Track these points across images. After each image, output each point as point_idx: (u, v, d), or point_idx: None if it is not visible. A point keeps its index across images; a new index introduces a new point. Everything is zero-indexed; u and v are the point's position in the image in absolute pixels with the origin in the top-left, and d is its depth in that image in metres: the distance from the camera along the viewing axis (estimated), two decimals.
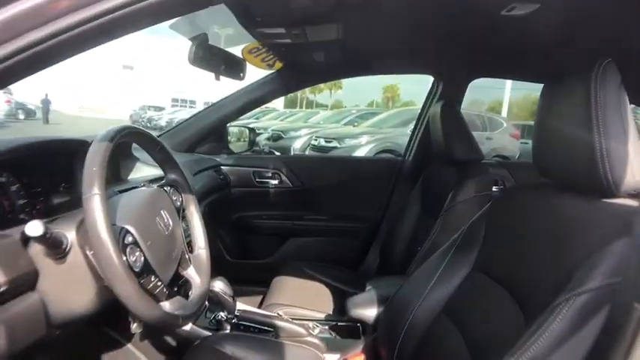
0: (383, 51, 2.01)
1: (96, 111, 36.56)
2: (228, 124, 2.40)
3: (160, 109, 28.84)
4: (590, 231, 0.80)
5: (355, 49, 1.93)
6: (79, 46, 0.63)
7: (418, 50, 2.00)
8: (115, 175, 1.58)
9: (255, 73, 2.23)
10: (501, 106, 23.36)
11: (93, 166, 0.82)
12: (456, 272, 1.16)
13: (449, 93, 2.24)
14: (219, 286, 1.51)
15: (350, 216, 2.49)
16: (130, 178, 1.60)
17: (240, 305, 1.65)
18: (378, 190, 2.48)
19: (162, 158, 1.17)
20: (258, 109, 14.50)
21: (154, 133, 1.87)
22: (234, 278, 2.40)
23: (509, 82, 16.45)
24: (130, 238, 0.89)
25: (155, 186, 1.13)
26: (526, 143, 10.74)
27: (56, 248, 0.85)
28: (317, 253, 2.44)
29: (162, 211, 1.05)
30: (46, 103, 21.90)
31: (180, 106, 36.89)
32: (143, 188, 1.12)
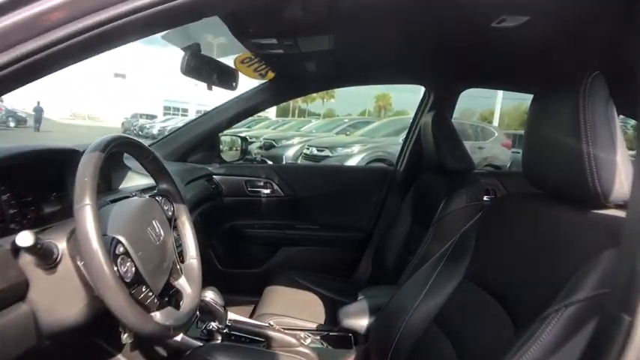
0: (374, 62, 2.02)
1: (88, 119, 36.44)
2: (220, 133, 2.39)
3: (152, 117, 28.82)
4: (578, 242, 0.81)
5: (347, 60, 1.94)
6: (71, 58, 0.63)
7: (409, 61, 2.02)
8: (107, 185, 1.57)
9: (247, 83, 2.24)
10: (493, 116, 23.53)
11: (84, 177, 0.82)
12: (447, 282, 1.16)
13: (440, 103, 2.26)
14: (211, 295, 1.51)
15: (342, 225, 2.50)
16: (121, 187, 1.59)
17: (232, 315, 1.65)
18: (370, 199, 2.49)
19: (154, 168, 1.17)
20: (250, 118, 14.50)
21: (146, 142, 1.87)
22: (226, 288, 2.38)
23: (500, 92, 16.54)
24: (121, 249, 0.89)
25: (147, 196, 1.13)
26: (517, 152, 10.83)
27: (47, 258, 0.84)
28: (309, 263, 2.44)
29: (153, 222, 1.05)
30: (38, 110, 21.90)
31: (173, 114, 36.87)
32: (135, 198, 1.12)
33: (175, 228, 1.21)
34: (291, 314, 1.81)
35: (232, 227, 2.46)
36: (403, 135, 8.54)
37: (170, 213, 1.17)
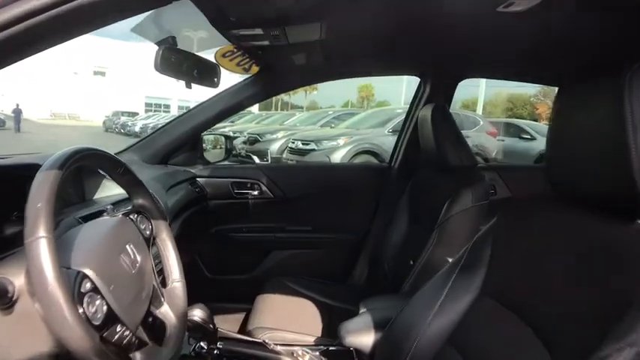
0: (368, 52, 1.89)
1: (69, 118, 35.80)
2: (202, 133, 2.25)
3: (134, 114, 28.51)
4: (631, 260, 0.69)
5: (338, 50, 1.80)
6: (28, 44, 0.51)
7: (404, 50, 1.88)
8: (79, 195, 1.43)
9: (230, 78, 2.10)
10: (476, 105, 23.56)
11: (37, 202, 0.68)
12: (461, 297, 1.04)
13: (437, 95, 2.13)
14: (199, 315, 1.37)
15: (335, 226, 2.37)
16: (95, 198, 1.45)
17: (223, 330, 1.52)
18: (364, 198, 2.37)
19: (127, 182, 1.02)
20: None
21: (129, 140, 1.72)
22: (215, 295, 2.29)
23: (483, 80, 16.49)
24: (88, 285, 0.75)
25: (120, 214, 0.99)
26: (502, 140, 10.85)
27: (1, 297, 0.70)
28: (301, 267, 2.32)
29: (127, 246, 0.90)
30: (17, 112, 22.07)
31: (155, 110, 36.47)
32: (105, 219, 0.97)
33: (154, 245, 1.07)
34: (286, 326, 1.70)
35: (219, 232, 2.32)
36: (389, 126, 8.53)
37: (148, 232, 1.03)
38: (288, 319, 1.75)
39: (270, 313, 1.80)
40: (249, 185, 2.31)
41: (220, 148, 2.49)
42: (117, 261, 0.85)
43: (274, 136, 10.27)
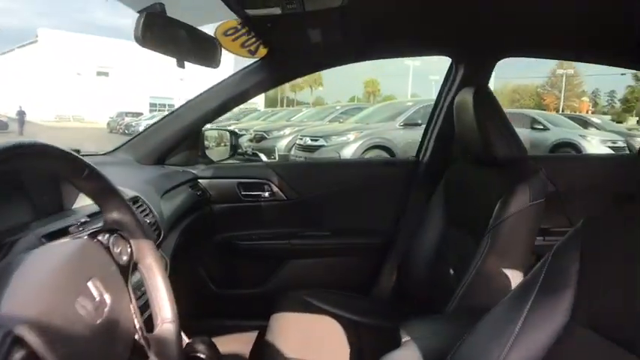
0: (395, 25, 1.61)
1: (73, 120, 35.74)
2: (204, 128, 1.99)
3: (138, 114, 28.39)
4: None
5: (361, 24, 1.52)
6: None
7: (436, 27, 1.61)
8: (55, 204, 1.16)
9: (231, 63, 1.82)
10: None
11: None
12: (545, 325, 0.77)
13: (471, 78, 1.84)
14: (203, 351, 1.10)
15: (357, 230, 2.10)
16: (75, 207, 1.18)
17: (233, 346, 1.26)
18: (389, 197, 2.08)
19: (95, 189, 0.74)
20: (237, 109, 14.11)
21: None
22: (223, 313, 2.02)
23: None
24: (20, 353, 0.47)
25: (85, 235, 0.71)
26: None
27: None
28: (320, 278, 2.05)
29: (90, 283, 0.62)
30: (20, 114, 22.21)
31: (159, 110, 36.26)
32: (64, 242, 0.70)
33: (134, 272, 0.80)
34: (309, 351, 1.44)
35: (225, 240, 2.05)
36: (400, 119, 8.25)
37: (125, 257, 0.75)
38: (310, 341, 1.50)
39: (288, 335, 1.54)
40: (258, 186, 2.03)
41: (225, 145, 2.22)
42: (71, 308, 0.57)
43: (281, 132, 10.09)
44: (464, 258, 1.45)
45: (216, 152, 2.15)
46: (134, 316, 0.71)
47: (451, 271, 1.54)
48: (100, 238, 0.71)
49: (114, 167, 1.70)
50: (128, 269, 0.74)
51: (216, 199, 2.00)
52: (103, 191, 0.75)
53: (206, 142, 2.05)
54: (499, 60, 1.87)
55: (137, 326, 0.71)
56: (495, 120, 1.45)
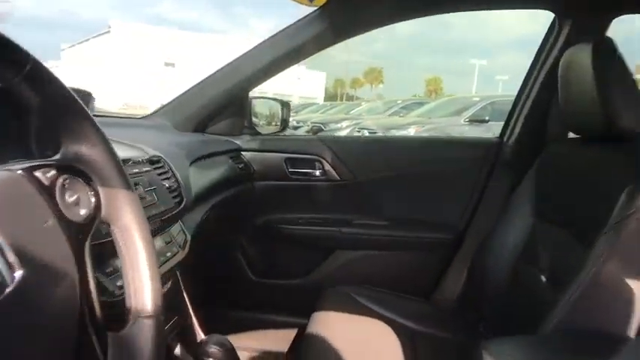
0: None
1: (140, 108, 37.26)
2: (252, 96, 1.76)
3: None
4: None
5: None
6: None
7: None
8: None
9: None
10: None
11: None
12: None
13: (579, 37, 1.48)
14: (216, 354, 0.84)
15: (420, 222, 1.78)
16: None
17: (268, 344, 1.26)
18: (463, 184, 1.75)
19: (46, 101, 0.47)
20: (297, 101, 14.02)
21: None
22: (259, 304, 1.85)
23: None
24: None
25: (18, 170, 0.45)
26: None
27: None
28: (372, 274, 1.76)
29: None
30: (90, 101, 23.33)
31: None
32: None
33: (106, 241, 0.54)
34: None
35: (268, 222, 1.81)
36: (466, 115, 7.71)
37: (84, 212, 0.48)
38: (356, 346, 1.25)
39: (331, 336, 1.29)
40: (308, 163, 1.77)
41: (275, 122, 1.97)
42: None
43: (339, 125, 9.86)
44: (563, 263, 1.13)
45: (264, 125, 1.92)
46: (83, 305, 0.44)
47: (543, 279, 1.21)
48: (38, 174, 0.45)
49: (144, 130, 1.49)
50: (85, 230, 0.48)
51: (260, 175, 1.77)
52: (60, 107, 0.48)
53: (252, 113, 1.82)
54: (615, 17, 1.50)
55: (88, 322, 0.44)
56: (625, 84, 1.10)
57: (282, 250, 1.86)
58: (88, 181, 0.50)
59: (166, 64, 41.50)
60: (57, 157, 0.49)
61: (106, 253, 0.61)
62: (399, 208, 1.78)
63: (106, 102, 32.54)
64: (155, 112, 1.69)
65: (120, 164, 0.53)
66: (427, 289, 1.77)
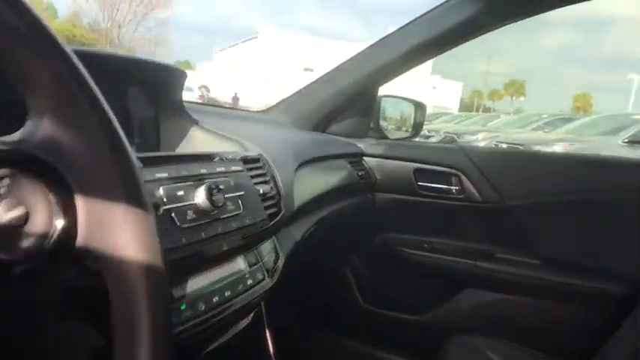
0: None
1: None
2: (380, 95, 1.53)
3: None
4: None
5: None
6: None
7: None
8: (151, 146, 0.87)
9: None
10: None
11: None
12: None
13: None
14: None
15: (583, 266, 1.37)
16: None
17: None
18: None
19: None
20: (430, 110, 13.52)
21: None
22: (366, 335, 1.59)
23: None
24: None
25: None
26: None
27: None
28: (510, 324, 1.41)
29: None
30: (235, 100, 26.42)
31: None
32: None
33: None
34: None
35: (386, 243, 1.55)
36: (624, 135, 6.52)
37: (34, 242, 0.27)
38: None
39: None
40: (443, 176, 1.46)
41: (405, 128, 1.71)
42: None
43: (474, 137, 9.32)
44: None
45: (394, 129, 1.68)
46: None
47: None
48: None
49: (254, 123, 1.33)
50: (34, 273, 0.26)
51: (383, 186, 1.51)
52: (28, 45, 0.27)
53: (381, 113, 1.59)
54: None
55: None
56: None
57: (401, 277, 1.58)
58: (55, 184, 0.28)
59: (305, 69, 43.39)
60: (9, 137, 0.27)
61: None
62: (559, 244, 1.39)
63: (248, 101, 35.20)
64: (275, 105, 1.53)
65: (131, 163, 0.30)
66: (586, 352, 1.36)
